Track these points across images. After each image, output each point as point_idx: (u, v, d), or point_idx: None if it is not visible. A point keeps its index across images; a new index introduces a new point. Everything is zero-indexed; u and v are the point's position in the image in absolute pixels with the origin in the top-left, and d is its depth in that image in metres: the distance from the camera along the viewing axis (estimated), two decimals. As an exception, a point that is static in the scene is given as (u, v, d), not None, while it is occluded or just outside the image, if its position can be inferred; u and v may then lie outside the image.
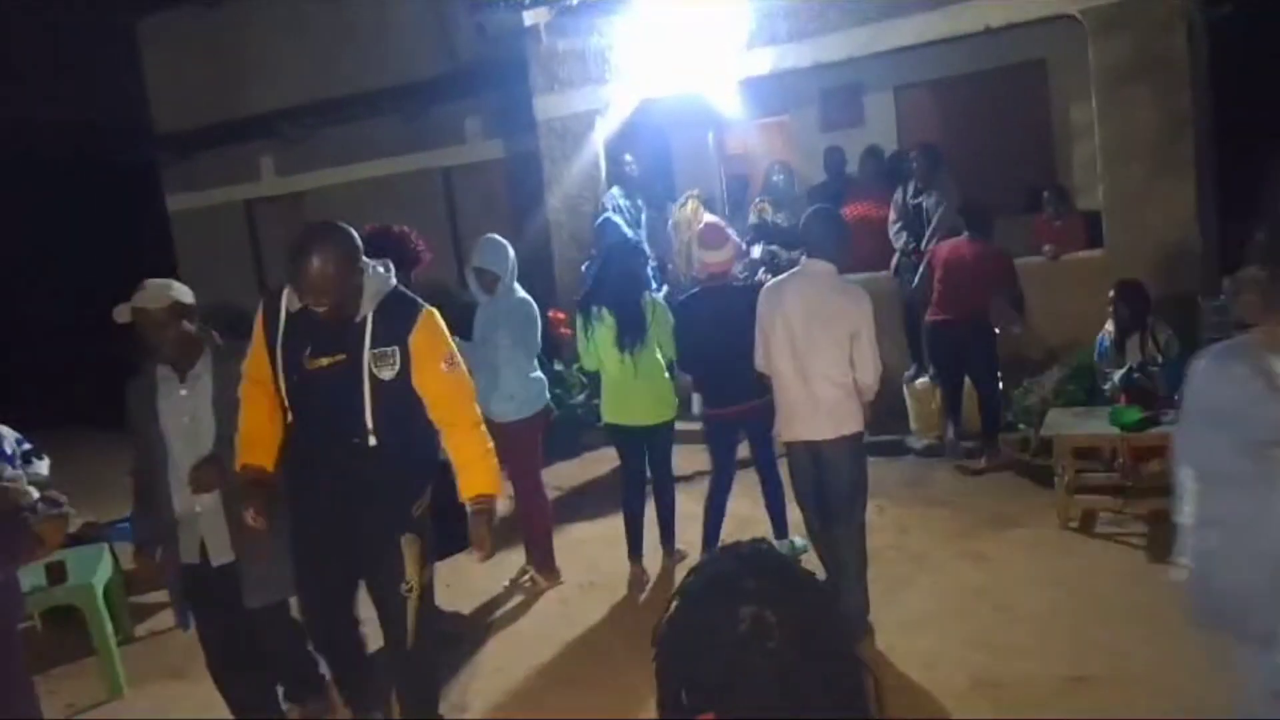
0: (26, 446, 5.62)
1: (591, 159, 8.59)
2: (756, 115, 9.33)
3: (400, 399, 3.13)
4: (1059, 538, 5.09)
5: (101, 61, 12.69)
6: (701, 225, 5.64)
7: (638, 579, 5.20)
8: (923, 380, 7.21)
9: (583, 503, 6.65)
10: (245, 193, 12.13)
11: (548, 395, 5.22)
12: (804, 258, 4.38)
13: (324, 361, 3.10)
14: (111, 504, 6.95)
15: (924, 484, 6.28)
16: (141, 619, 5.41)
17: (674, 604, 1.34)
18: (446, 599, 4.90)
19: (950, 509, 5.75)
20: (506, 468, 5.18)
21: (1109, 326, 5.58)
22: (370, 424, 3.10)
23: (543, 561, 5.19)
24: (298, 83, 11.16)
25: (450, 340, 3.24)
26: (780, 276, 4.50)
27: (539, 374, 5.15)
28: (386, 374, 3.09)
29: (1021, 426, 6.61)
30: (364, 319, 3.11)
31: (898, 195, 7.71)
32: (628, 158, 8.11)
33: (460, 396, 3.22)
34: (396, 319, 3.13)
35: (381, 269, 3.23)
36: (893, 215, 7.72)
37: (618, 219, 7.80)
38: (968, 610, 4.43)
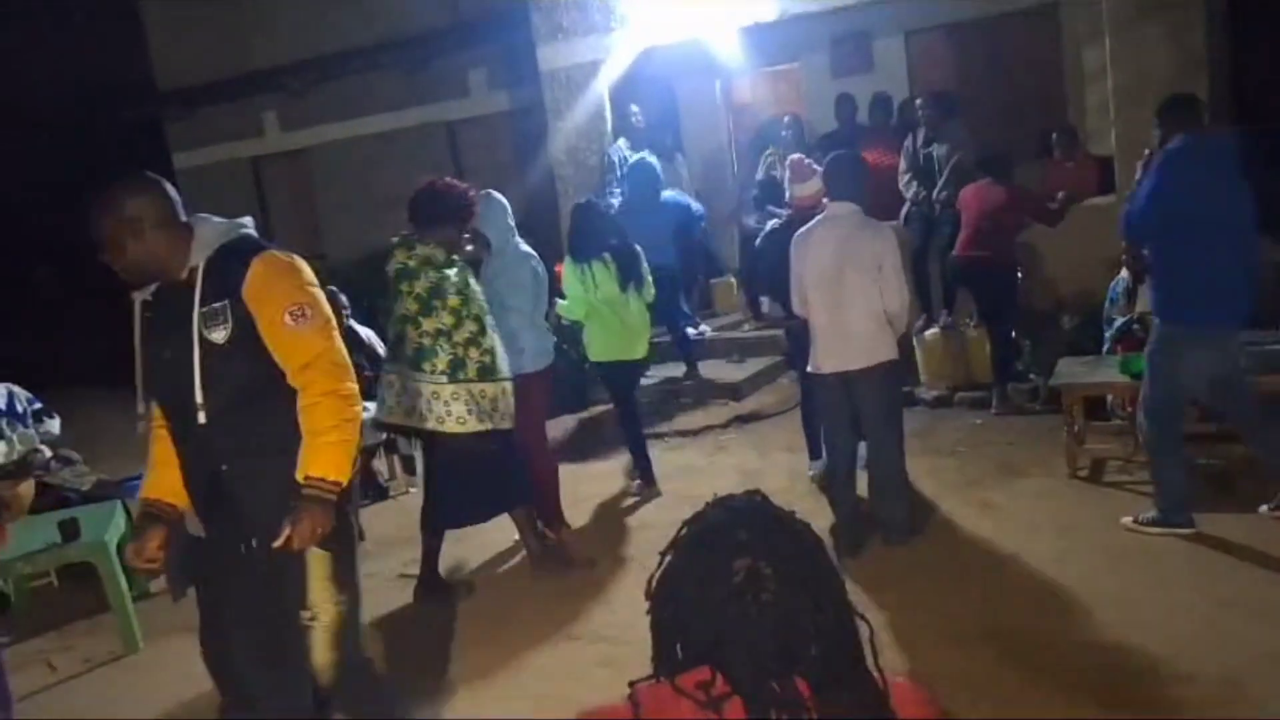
0: (37, 405, 5.66)
1: (596, 109, 8.49)
2: (764, 63, 9.20)
3: (244, 366, 2.61)
4: (1068, 487, 5.09)
5: (103, 18, 12.57)
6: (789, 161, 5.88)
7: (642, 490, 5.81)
8: (932, 331, 7.17)
9: (588, 455, 6.68)
10: (250, 149, 12.06)
11: (553, 351, 5.21)
12: (828, 201, 4.59)
13: (165, 332, 2.68)
14: (123, 461, 7.02)
15: (933, 434, 6.27)
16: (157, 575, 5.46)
17: (667, 558, 1.34)
18: (452, 551, 4.95)
19: (959, 459, 5.75)
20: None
21: (1123, 273, 5.51)
22: (200, 398, 2.60)
23: (550, 514, 5.21)
24: (300, 37, 11.05)
25: (305, 288, 2.65)
26: (810, 223, 4.63)
27: (547, 328, 5.14)
28: (217, 335, 2.58)
29: (1032, 376, 6.59)
30: (191, 274, 2.64)
31: (907, 144, 7.60)
32: (634, 109, 8.02)
33: (309, 354, 2.61)
34: (229, 270, 2.61)
35: (219, 218, 2.73)
36: (903, 165, 7.62)
37: (652, 159, 7.71)
38: (976, 559, 4.43)
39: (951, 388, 6.96)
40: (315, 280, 2.73)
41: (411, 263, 4.36)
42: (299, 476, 2.60)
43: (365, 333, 6.83)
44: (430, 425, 4.36)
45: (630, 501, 5.73)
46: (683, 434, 6.95)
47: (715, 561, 1.26)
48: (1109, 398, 5.47)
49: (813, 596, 1.25)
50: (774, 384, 7.80)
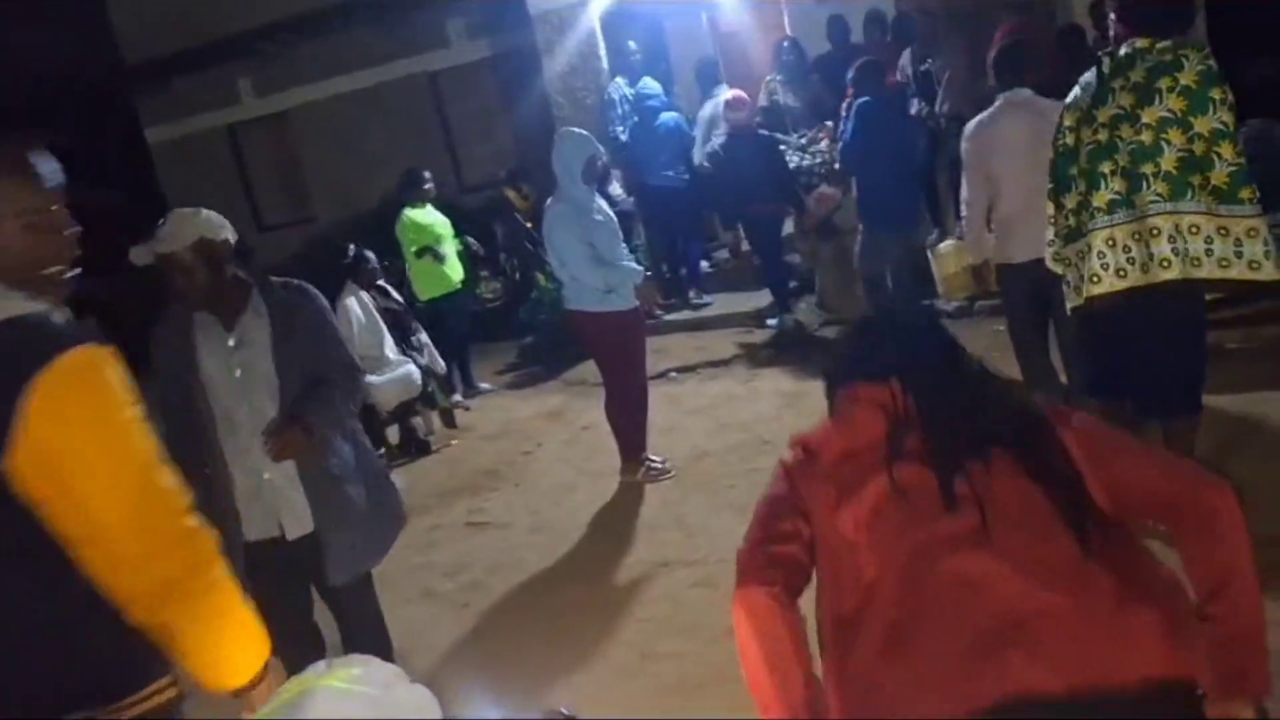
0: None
1: (591, 50, 8.43)
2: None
3: None
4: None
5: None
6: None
7: None
8: (947, 243, 7.27)
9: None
10: (226, 117, 11.85)
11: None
12: (1000, 94, 4.33)
13: None
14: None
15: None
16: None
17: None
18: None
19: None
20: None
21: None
22: None
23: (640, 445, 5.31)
24: (268, -3, 10.81)
25: None
26: (983, 115, 4.38)
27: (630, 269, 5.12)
28: None
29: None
30: None
31: (904, 62, 7.66)
32: (632, 45, 7.98)
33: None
34: None
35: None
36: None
37: (654, 85, 7.96)
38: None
39: (970, 298, 7.08)
40: None
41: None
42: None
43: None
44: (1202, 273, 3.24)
45: (677, 432, 5.83)
46: (714, 364, 7.05)
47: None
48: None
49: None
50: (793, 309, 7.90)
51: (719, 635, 3.57)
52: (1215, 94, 3.20)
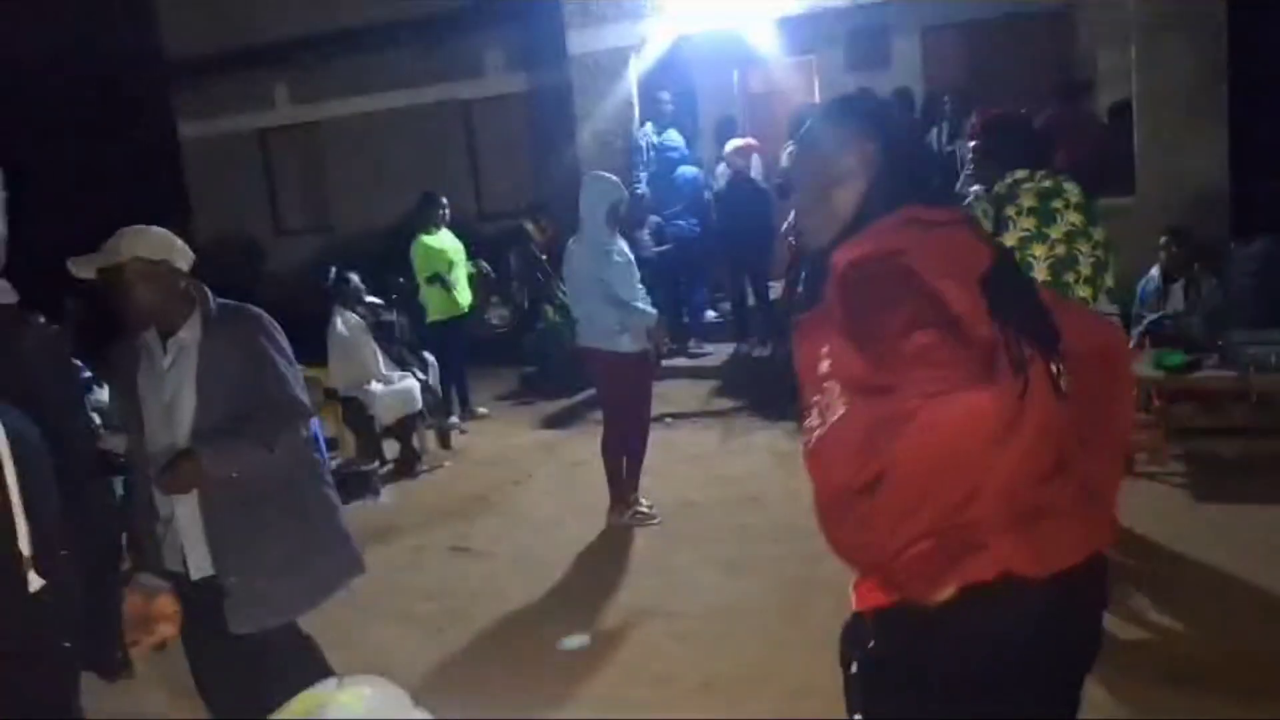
0: (86, 374, 5.68)
1: (625, 95, 8.59)
2: (781, 55, 9.34)
3: None
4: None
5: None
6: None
7: None
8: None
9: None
10: (259, 121, 12.00)
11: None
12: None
13: None
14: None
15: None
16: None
17: None
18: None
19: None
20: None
21: (1154, 271, 5.73)
22: None
23: (630, 488, 5.35)
24: (314, 8, 10.98)
25: None
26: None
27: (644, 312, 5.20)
28: None
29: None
30: None
31: (930, 140, 7.78)
32: (665, 95, 8.14)
33: None
34: None
35: None
36: (925, 159, 7.80)
37: (678, 138, 8.22)
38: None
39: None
40: None
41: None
42: None
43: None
44: None
45: (668, 479, 5.84)
46: (710, 414, 7.10)
47: None
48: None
49: None
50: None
51: (691, 689, 3.59)
52: (1094, 212, 3.71)
